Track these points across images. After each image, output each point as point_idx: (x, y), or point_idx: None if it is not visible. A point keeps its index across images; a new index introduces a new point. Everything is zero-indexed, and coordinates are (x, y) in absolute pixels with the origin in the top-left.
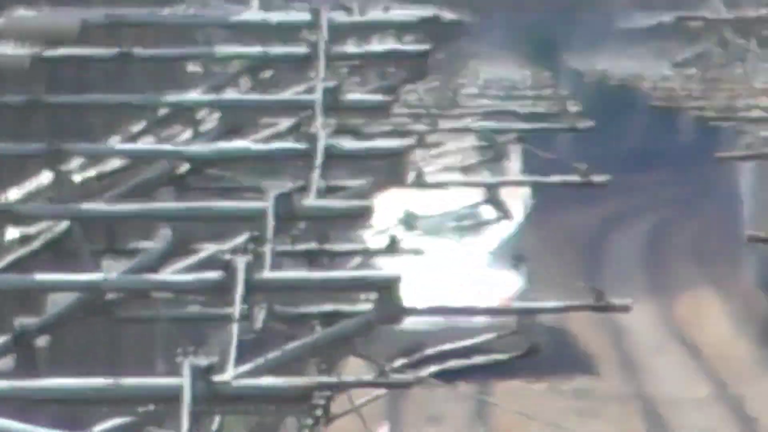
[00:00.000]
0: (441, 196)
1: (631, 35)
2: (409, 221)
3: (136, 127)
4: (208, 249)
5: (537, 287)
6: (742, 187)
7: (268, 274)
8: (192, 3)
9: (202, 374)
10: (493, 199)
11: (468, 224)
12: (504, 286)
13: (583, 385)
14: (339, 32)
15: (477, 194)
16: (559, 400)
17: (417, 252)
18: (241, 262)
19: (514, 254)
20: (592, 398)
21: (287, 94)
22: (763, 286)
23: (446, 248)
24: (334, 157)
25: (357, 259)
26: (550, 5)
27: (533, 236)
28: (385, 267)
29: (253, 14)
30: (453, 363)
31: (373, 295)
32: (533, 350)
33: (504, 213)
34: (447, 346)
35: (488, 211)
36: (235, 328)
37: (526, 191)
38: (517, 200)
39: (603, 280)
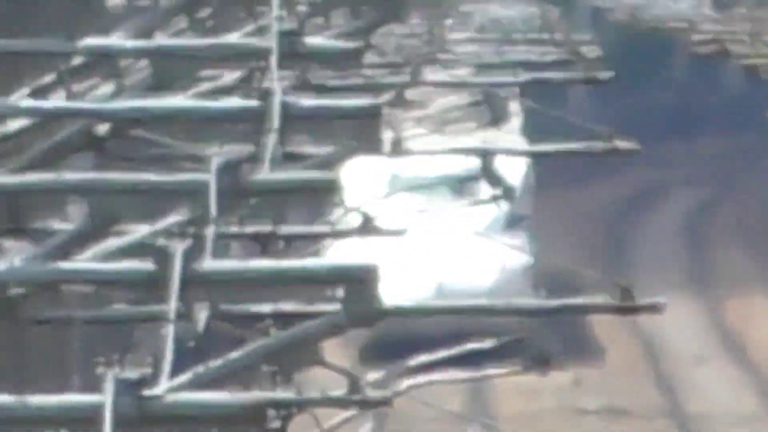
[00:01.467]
0: (428, 161)
1: None
2: (395, 185)
3: (45, 80)
4: (136, 232)
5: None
6: None
7: (210, 263)
8: None
9: (128, 389)
10: (488, 171)
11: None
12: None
13: (611, 403)
14: None
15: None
16: (584, 420)
17: (398, 232)
18: (177, 248)
19: (513, 216)
20: (624, 419)
21: (233, 39)
22: None
23: (438, 213)
24: (292, 117)
25: (321, 245)
26: None
27: (540, 219)
28: (357, 254)
29: None
30: (439, 375)
31: (343, 291)
32: (542, 361)
33: (502, 189)
34: (436, 356)
35: (483, 187)
36: (170, 330)
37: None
38: (519, 171)
39: (631, 274)
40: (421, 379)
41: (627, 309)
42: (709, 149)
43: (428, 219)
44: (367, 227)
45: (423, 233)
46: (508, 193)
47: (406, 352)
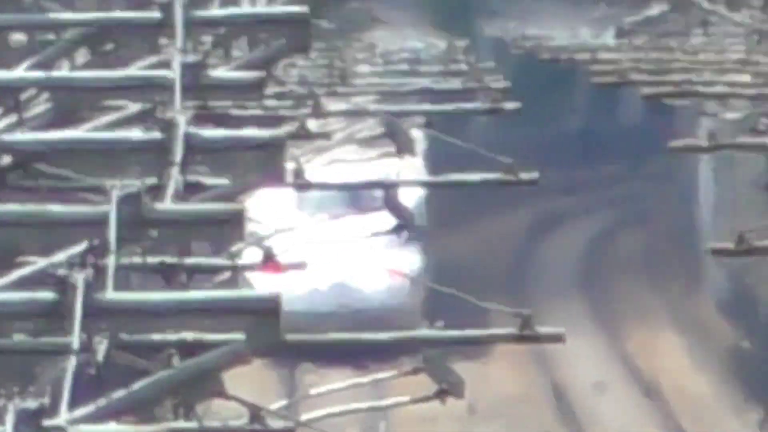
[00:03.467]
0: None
1: None
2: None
3: None
4: (37, 262)
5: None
6: (701, 183)
7: (112, 294)
8: None
9: (28, 419)
10: (391, 203)
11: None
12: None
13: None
14: None
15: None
16: None
17: (299, 266)
18: (78, 279)
19: (397, 225)
20: None
21: (135, 71)
22: (725, 308)
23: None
24: (194, 148)
25: (224, 276)
26: None
27: (441, 249)
28: (259, 285)
29: None
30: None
31: (245, 320)
32: (444, 393)
33: (404, 220)
34: (337, 385)
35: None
36: (71, 360)
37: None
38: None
39: (532, 303)
40: (323, 410)
41: (528, 338)
42: (609, 178)
43: (330, 246)
44: (269, 261)
45: (324, 263)
46: (410, 223)
47: (309, 354)
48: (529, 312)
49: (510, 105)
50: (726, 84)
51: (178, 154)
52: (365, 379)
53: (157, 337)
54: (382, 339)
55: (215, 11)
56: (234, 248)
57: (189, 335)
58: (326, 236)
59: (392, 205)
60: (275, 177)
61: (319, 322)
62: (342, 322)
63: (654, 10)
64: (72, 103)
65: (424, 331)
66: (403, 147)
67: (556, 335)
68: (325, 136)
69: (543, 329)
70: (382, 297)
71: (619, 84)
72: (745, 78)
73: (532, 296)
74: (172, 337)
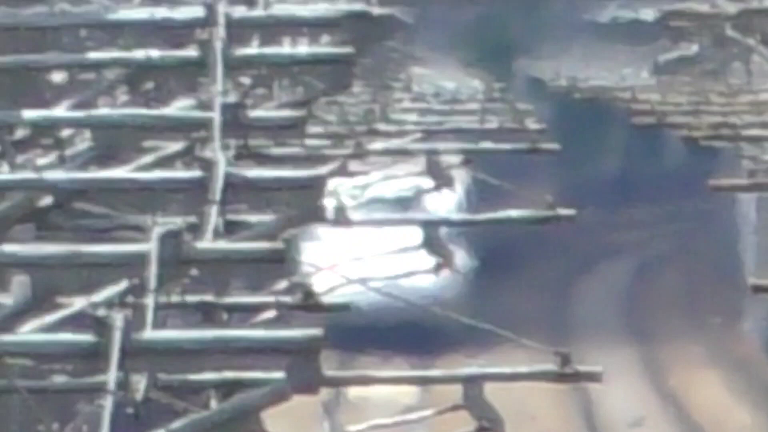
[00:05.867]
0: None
1: (604, 34)
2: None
3: None
4: (77, 303)
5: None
6: (742, 223)
7: (150, 333)
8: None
9: None
10: (430, 241)
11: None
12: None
13: None
14: (240, 31)
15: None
16: None
17: (342, 308)
18: (117, 319)
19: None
20: None
21: (176, 110)
22: (766, 344)
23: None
24: (234, 187)
25: (265, 315)
26: None
27: (480, 286)
28: (300, 323)
29: (132, 11)
30: None
31: (287, 360)
32: (483, 430)
33: (444, 258)
34: (378, 421)
35: (423, 256)
36: (109, 400)
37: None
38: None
39: (572, 342)
40: None
41: (566, 376)
42: (648, 218)
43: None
44: (310, 300)
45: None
46: (449, 261)
47: (359, 342)
48: (568, 350)
49: (549, 145)
50: (764, 125)
51: (218, 192)
52: (407, 416)
53: (195, 377)
54: (423, 376)
55: (255, 51)
56: (275, 287)
57: (228, 375)
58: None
59: (432, 244)
60: (316, 215)
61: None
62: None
63: (690, 48)
64: (112, 142)
65: (465, 368)
66: (443, 185)
67: (594, 374)
68: (367, 174)
69: (582, 367)
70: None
71: (658, 125)
72: None
73: (572, 334)
74: (210, 376)
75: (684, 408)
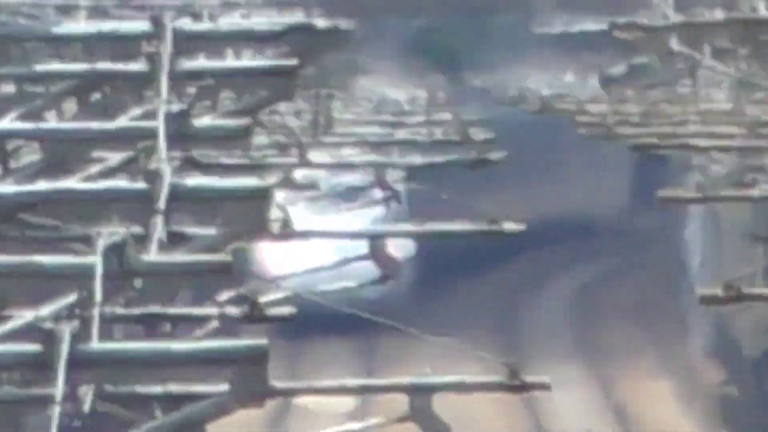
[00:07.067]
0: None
1: (553, 45)
2: None
3: None
4: (22, 315)
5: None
6: (691, 234)
7: (97, 345)
8: (4, 12)
9: None
10: (376, 253)
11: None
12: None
13: None
14: (186, 44)
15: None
16: None
17: (288, 319)
18: (64, 330)
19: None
20: None
21: (122, 121)
22: (713, 354)
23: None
24: (180, 198)
25: (210, 326)
26: (450, 8)
27: (427, 295)
28: (245, 335)
29: (79, 25)
30: None
31: (232, 371)
32: None
33: (390, 270)
34: None
35: (369, 268)
36: (56, 412)
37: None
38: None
39: (520, 352)
40: None
41: (515, 387)
42: (598, 227)
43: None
44: (256, 312)
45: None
46: (396, 272)
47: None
48: (516, 361)
49: (494, 155)
50: (711, 136)
51: (163, 203)
52: (354, 426)
53: (141, 388)
54: (370, 385)
55: (201, 63)
56: (219, 298)
57: (174, 387)
58: (313, 286)
59: (378, 255)
60: (261, 227)
61: None
62: None
63: (638, 60)
64: (59, 153)
65: (412, 378)
66: (388, 198)
67: (543, 384)
68: (311, 186)
69: (530, 378)
70: None
71: (606, 136)
72: (732, 129)
73: (521, 345)
74: (156, 388)
75: (631, 416)
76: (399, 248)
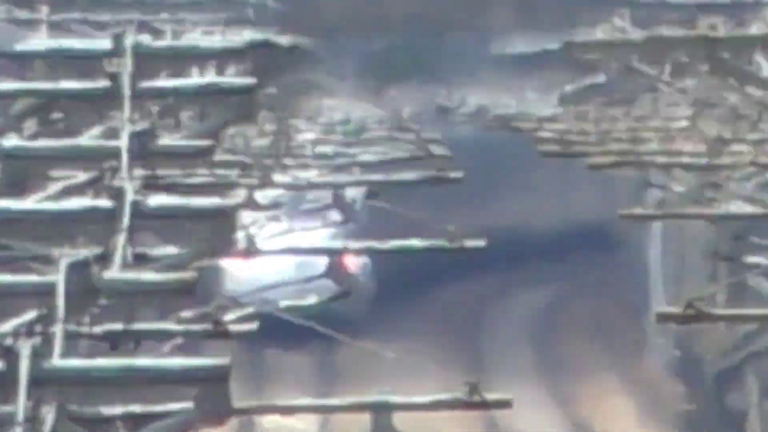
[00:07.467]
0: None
1: (513, 64)
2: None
3: None
4: None
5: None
6: (649, 251)
7: (59, 362)
8: None
9: None
10: (336, 270)
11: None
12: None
13: None
14: (148, 62)
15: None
16: None
17: (250, 336)
18: (25, 347)
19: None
20: None
21: (84, 140)
22: (671, 371)
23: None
24: (143, 217)
25: (173, 344)
26: (411, 27)
27: (387, 314)
28: (209, 352)
29: (40, 41)
30: None
31: (195, 389)
32: None
33: (349, 287)
34: None
35: (329, 284)
36: (16, 431)
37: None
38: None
39: (480, 369)
40: None
41: (476, 404)
42: (557, 245)
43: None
44: (218, 329)
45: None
46: (355, 289)
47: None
48: (477, 379)
49: (453, 174)
50: (671, 154)
51: (127, 222)
52: None
53: (104, 407)
54: (331, 404)
55: (162, 81)
56: (183, 315)
57: (137, 404)
58: (275, 302)
59: (337, 272)
60: (224, 245)
61: None
62: None
63: (597, 78)
64: (20, 172)
65: (374, 396)
66: (348, 216)
67: (504, 401)
68: (273, 206)
69: (490, 395)
70: None
71: (564, 153)
72: (691, 147)
73: (481, 362)
74: (119, 406)
75: None
76: (358, 265)
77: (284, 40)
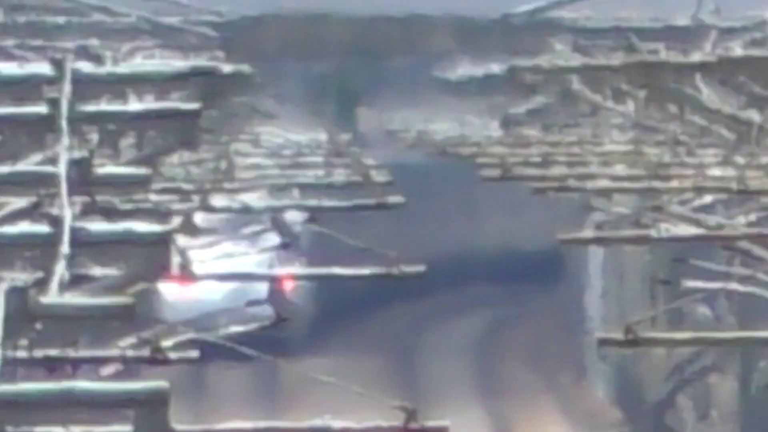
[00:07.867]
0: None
1: (455, 88)
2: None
3: None
4: None
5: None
6: (589, 275)
7: None
8: None
9: None
10: (274, 295)
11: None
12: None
13: None
14: (87, 88)
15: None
16: None
17: (189, 361)
18: None
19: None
20: None
21: (22, 166)
22: (611, 396)
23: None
24: (81, 242)
25: (111, 369)
26: (351, 50)
27: (323, 339)
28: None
29: None
30: None
31: (133, 413)
32: None
33: (287, 312)
34: None
35: (267, 310)
36: None
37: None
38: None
39: (419, 396)
40: None
41: (413, 431)
42: (498, 270)
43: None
44: (157, 355)
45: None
46: (294, 315)
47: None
48: (414, 406)
49: (393, 199)
50: (612, 178)
51: (65, 247)
52: None
53: (42, 429)
54: (270, 428)
55: (102, 107)
56: (121, 341)
57: (76, 429)
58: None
59: (275, 298)
60: (162, 270)
61: None
62: None
63: (539, 102)
64: None
65: (311, 423)
66: (287, 241)
67: (442, 428)
68: (212, 231)
69: (428, 423)
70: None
71: (506, 177)
72: (631, 171)
73: (420, 388)
74: (58, 430)
75: None
76: (297, 291)
77: (227, 66)
